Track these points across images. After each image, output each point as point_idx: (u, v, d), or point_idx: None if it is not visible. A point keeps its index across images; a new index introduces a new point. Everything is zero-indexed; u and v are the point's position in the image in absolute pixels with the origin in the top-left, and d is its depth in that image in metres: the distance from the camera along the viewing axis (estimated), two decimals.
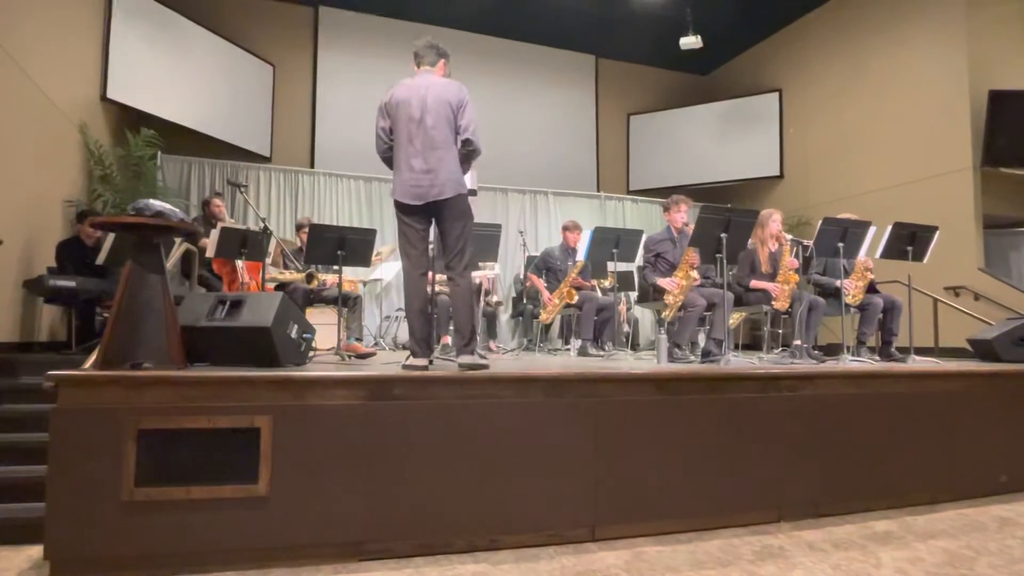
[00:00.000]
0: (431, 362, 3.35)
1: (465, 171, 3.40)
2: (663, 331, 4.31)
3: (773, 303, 4.87)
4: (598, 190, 10.21)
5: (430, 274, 3.54)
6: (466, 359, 3.21)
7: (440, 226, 3.36)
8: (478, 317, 6.26)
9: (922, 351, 5.18)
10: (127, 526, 2.48)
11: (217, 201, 5.90)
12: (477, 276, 6.92)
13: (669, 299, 4.75)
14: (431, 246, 3.78)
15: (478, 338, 6.45)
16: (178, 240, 4.78)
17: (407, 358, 3.31)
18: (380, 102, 3.40)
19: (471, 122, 3.31)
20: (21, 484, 3.20)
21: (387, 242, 7.87)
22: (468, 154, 3.35)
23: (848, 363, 4.42)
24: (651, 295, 5.05)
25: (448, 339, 6.04)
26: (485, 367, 3.17)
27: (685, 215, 5.14)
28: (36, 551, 2.70)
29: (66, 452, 2.46)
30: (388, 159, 3.43)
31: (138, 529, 2.49)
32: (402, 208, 3.33)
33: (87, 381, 2.53)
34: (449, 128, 3.29)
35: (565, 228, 6.38)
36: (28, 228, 5.14)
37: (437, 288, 4.89)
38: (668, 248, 5.07)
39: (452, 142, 3.30)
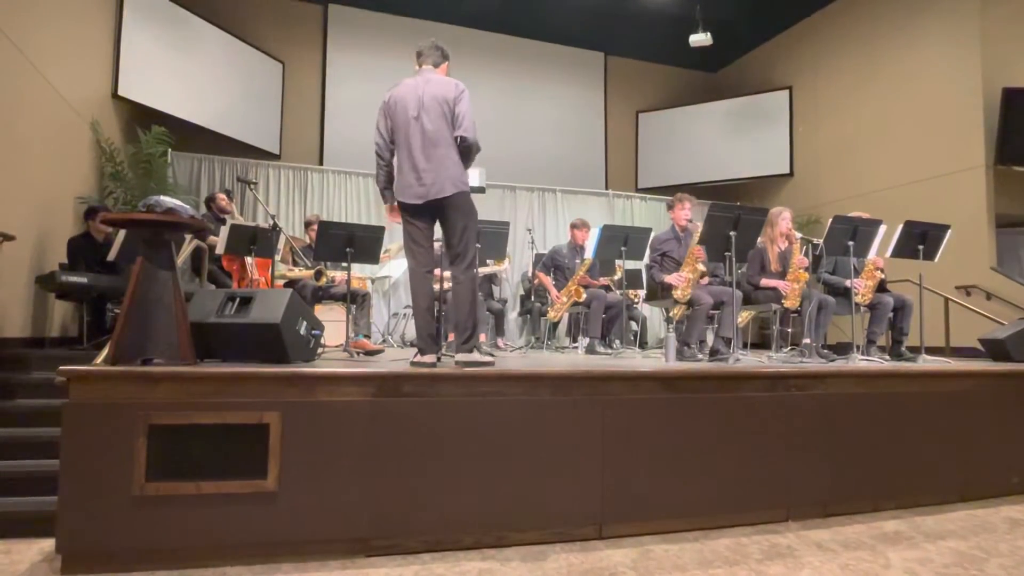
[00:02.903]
0: (439, 359, 3.36)
1: (466, 167, 3.40)
2: (671, 329, 4.30)
3: (783, 302, 4.85)
4: (607, 188, 10.19)
5: (437, 271, 3.55)
6: (463, 356, 3.20)
7: (443, 224, 3.37)
8: (482, 314, 6.26)
9: (933, 351, 5.14)
10: (137, 520, 2.50)
11: (221, 195, 5.93)
12: (486, 270, 6.94)
13: (677, 293, 4.73)
14: (437, 244, 3.79)
15: (486, 335, 6.51)
16: (188, 237, 4.81)
17: (415, 355, 3.32)
18: (381, 102, 3.42)
19: (466, 118, 3.29)
20: (33, 478, 3.24)
21: (395, 239, 7.88)
22: (465, 151, 3.34)
23: (858, 362, 4.39)
24: (659, 293, 5.04)
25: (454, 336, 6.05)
26: (489, 364, 3.16)
27: (689, 212, 5.13)
28: (48, 544, 2.73)
29: (77, 447, 2.48)
30: (381, 157, 3.42)
31: (148, 523, 2.51)
32: (405, 208, 3.35)
33: (98, 376, 2.55)
34: (447, 126, 3.29)
35: (573, 226, 6.38)
36: (40, 224, 5.18)
37: (445, 285, 4.90)
38: (673, 247, 5.06)
39: (451, 140, 3.30)
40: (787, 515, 3.32)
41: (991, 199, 6.84)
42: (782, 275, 4.98)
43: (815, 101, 9.27)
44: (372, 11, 9.38)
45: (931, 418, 3.68)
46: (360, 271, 6.81)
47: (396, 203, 3.43)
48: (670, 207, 5.22)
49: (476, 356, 3.21)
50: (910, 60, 7.78)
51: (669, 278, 4.83)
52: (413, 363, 3.21)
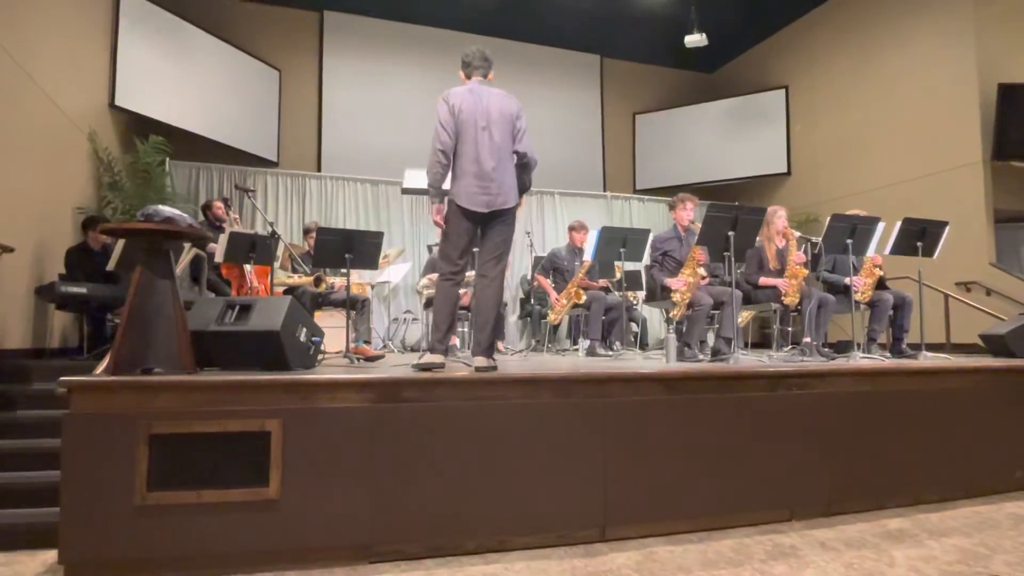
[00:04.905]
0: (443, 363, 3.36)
1: (528, 182, 3.61)
2: (672, 330, 4.30)
3: (783, 299, 4.85)
4: (605, 190, 10.19)
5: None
6: (482, 361, 3.24)
7: (488, 231, 3.43)
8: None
9: (933, 347, 5.13)
10: (139, 530, 2.49)
11: (218, 203, 5.93)
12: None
13: (676, 297, 4.74)
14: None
15: None
16: (187, 245, 4.81)
17: (421, 356, 3.32)
18: (443, 101, 3.39)
19: (525, 135, 3.49)
20: (35, 489, 3.23)
21: (394, 244, 7.89)
22: (525, 166, 3.52)
23: (859, 360, 4.39)
24: (659, 294, 5.04)
25: (455, 341, 6.05)
26: (495, 369, 3.19)
27: (691, 213, 5.14)
28: (51, 555, 2.72)
29: (79, 457, 2.48)
30: (445, 155, 3.35)
31: (150, 533, 2.50)
32: (461, 213, 3.36)
33: (99, 387, 2.55)
34: (510, 140, 3.45)
35: (571, 228, 6.38)
36: (39, 235, 5.18)
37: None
38: (675, 246, 5.06)
39: (512, 154, 3.46)
40: (790, 514, 3.31)
41: (989, 194, 6.85)
42: (780, 273, 4.98)
43: (811, 100, 9.28)
44: (368, 17, 9.40)
45: (933, 415, 3.67)
46: (359, 277, 6.81)
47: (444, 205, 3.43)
48: (672, 207, 5.22)
49: (491, 361, 3.27)
50: (905, 57, 7.79)
51: (670, 282, 4.83)
52: (419, 365, 3.17)
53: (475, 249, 3.62)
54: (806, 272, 4.90)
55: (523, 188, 3.59)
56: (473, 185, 3.33)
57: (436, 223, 3.48)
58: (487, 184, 3.33)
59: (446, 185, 3.41)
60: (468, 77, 3.59)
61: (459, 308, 6.08)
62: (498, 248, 3.42)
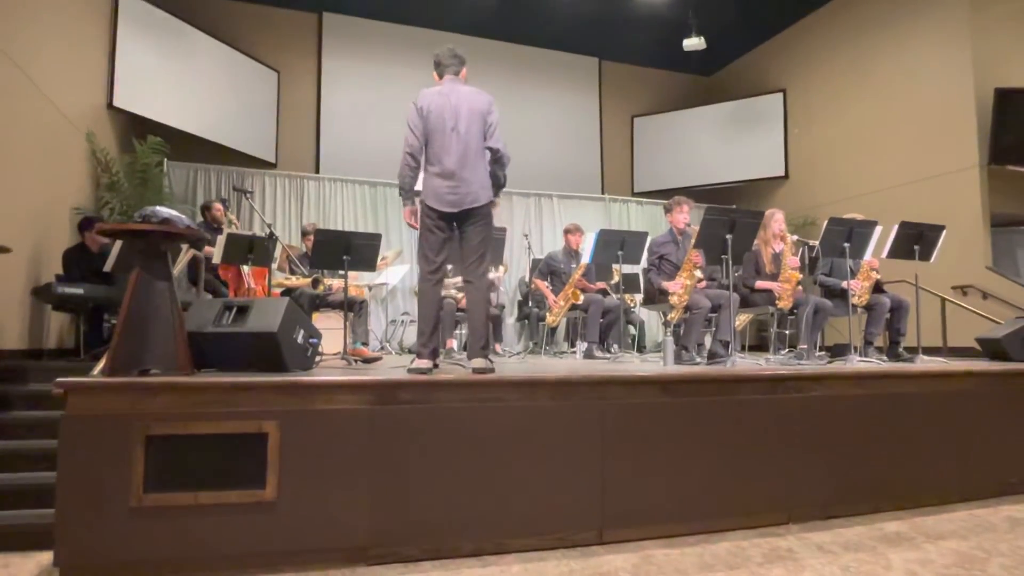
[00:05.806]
0: (436, 365, 3.36)
1: (503, 178, 3.55)
2: (669, 333, 4.30)
3: (776, 303, 4.86)
4: (603, 192, 10.21)
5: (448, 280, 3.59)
6: (479, 362, 3.24)
7: (464, 231, 3.42)
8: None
9: (930, 351, 5.15)
10: (136, 532, 2.49)
11: (217, 205, 5.92)
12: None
13: (674, 300, 4.74)
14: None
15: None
16: (185, 247, 4.81)
17: (412, 361, 3.33)
18: (412, 104, 3.42)
19: (497, 130, 3.43)
20: (30, 490, 3.22)
21: (392, 246, 7.89)
22: (498, 161, 3.47)
23: (856, 363, 4.40)
24: (657, 297, 5.04)
25: (452, 343, 6.05)
26: (492, 370, 3.19)
27: (687, 216, 5.14)
28: (46, 557, 2.71)
29: (75, 458, 2.47)
30: (415, 159, 3.39)
31: (147, 535, 2.49)
32: (432, 213, 3.37)
33: (96, 388, 2.54)
34: (481, 137, 3.41)
35: (567, 231, 6.39)
36: (36, 236, 5.17)
37: (443, 292, 4.89)
38: (671, 250, 5.06)
39: (483, 150, 3.42)
40: (788, 518, 3.31)
41: (986, 199, 6.87)
42: (776, 277, 4.99)
43: (809, 103, 9.31)
44: (366, 19, 9.41)
45: (930, 418, 3.68)
46: (357, 279, 6.81)
47: (416, 206, 3.46)
48: (668, 210, 5.22)
49: (488, 363, 3.27)
50: (902, 61, 7.82)
51: (667, 285, 4.84)
52: (411, 370, 3.21)
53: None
54: (800, 276, 4.91)
55: (498, 185, 3.57)
56: (441, 185, 3.34)
57: (409, 224, 3.52)
58: (455, 184, 3.33)
59: (418, 186, 3.42)
60: (441, 77, 3.58)
61: (457, 311, 6.13)
62: (478, 250, 3.40)
